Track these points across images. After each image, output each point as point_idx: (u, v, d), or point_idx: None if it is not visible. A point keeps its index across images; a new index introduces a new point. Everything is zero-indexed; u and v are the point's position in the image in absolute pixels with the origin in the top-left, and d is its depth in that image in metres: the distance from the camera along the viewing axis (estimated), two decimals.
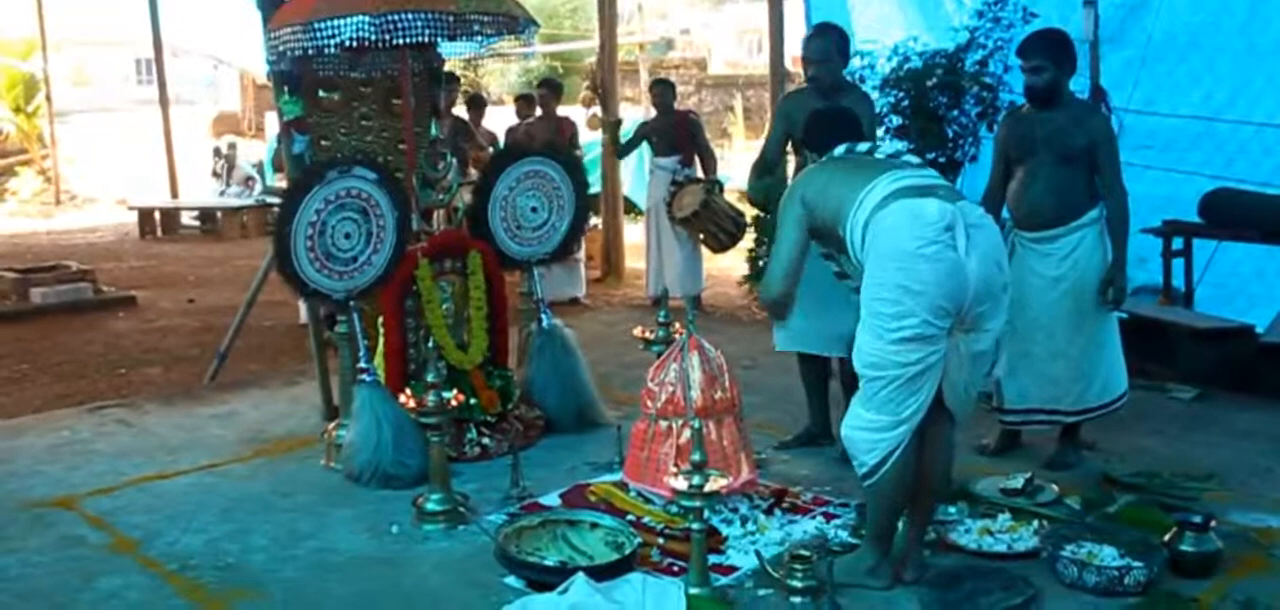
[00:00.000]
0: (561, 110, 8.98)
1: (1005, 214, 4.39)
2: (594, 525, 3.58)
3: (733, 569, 3.38)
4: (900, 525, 3.28)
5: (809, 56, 4.47)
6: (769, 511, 3.80)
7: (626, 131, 8.44)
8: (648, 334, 4.38)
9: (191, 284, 10.22)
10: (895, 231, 2.96)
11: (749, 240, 8.00)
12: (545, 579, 3.25)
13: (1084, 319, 4.18)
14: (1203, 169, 6.42)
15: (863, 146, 3.39)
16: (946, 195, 3.03)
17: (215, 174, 15.56)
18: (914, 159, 3.33)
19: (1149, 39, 6.75)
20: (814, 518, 3.79)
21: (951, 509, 3.71)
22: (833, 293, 3.81)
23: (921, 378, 2.98)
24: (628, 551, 3.37)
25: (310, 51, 4.40)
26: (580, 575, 3.15)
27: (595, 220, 9.43)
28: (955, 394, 3.11)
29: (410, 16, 4.20)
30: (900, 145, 3.57)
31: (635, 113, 14.43)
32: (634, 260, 9.73)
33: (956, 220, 2.95)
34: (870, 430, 3.05)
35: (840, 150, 3.39)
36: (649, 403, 3.82)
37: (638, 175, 11.53)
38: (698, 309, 7.03)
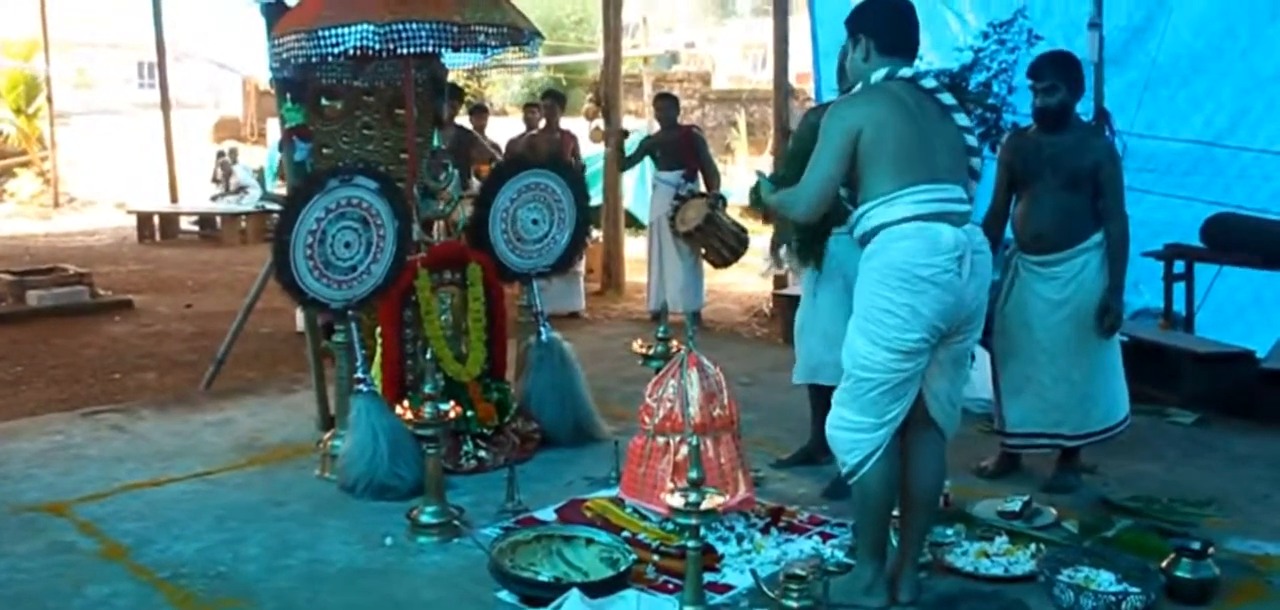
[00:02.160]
0: (564, 123, 9.00)
1: (1007, 235, 4.40)
2: (589, 541, 3.57)
3: (728, 587, 3.37)
4: (893, 541, 3.29)
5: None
6: (765, 530, 3.79)
7: (631, 143, 8.46)
8: (647, 349, 4.38)
9: (189, 289, 10.23)
10: (910, 252, 2.98)
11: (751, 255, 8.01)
12: (539, 594, 3.25)
13: (1087, 343, 4.17)
14: (1202, 194, 6.44)
15: (928, 81, 3.14)
16: (958, 219, 3.04)
17: (214, 179, 15.59)
18: (963, 120, 3.12)
19: (1152, 63, 6.77)
20: (810, 537, 3.78)
21: (948, 531, 3.71)
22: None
23: (907, 384, 3.05)
24: (623, 568, 3.36)
25: (314, 59, 4.40)
26: (574, 591, 3.14)
27: (596, 233, 9.45)
28: (939, 404, 3.15)
29: (415, 26, 4.21)
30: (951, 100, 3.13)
31: (638, 126, 14.46)
32: (634, 274, 9.74)
33: (966, 249, 3.01)
34: (854, 430, 3.09)
35: (904, 75, 3.10)
36: (647, 418, 3.82)
37: (639, 189, 11.57)
38: (697, 325, 7.03)
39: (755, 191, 3.60)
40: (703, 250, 7.03)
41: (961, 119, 3.14)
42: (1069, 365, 4.18)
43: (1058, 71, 4.17)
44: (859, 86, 3.18)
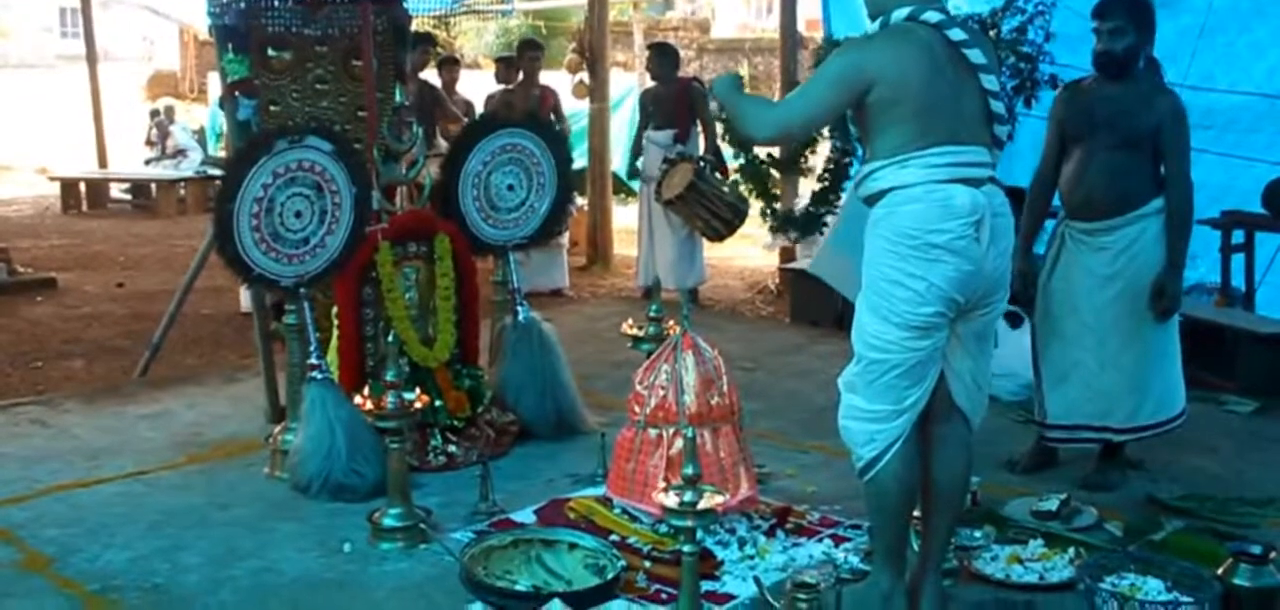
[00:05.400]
0: (544, 77, 8.99)
1: (1055, 202, 4.40)
2: (572, 546, 3.59)
3: (729, 598, 3.39)
4: (914, 544, 3.30)
5: None
6: (770, 533, 3.81)
7: (617, 101, 8.43)
8: (637, 330, 4.39)
9: (121, 266, 10.22)
10: (921, 217, 2.99)
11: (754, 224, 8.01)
12: (516, 605, 3.26)
13: (1140, 324, 4.18)
14: (1266, 154, 6.44)
15: (955, 33, 3.06)
16: (976, 182, 3.05)
17: (148, 142, 15.56)
18: (990, 83, 3.11)
19: (1209, 5, 6.76)
20: (821, 540, 3.80)
21: (977, 533, 3.73)
22: None
23: (925, 366, 3.06)
24: (610, 576, 3.38)
25: (259, 4, 4.39)
26: (556, 602, 3.16)
27: (580, 201, 9.44)
28: (963, 386, 3.16)
29: None
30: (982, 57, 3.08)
31: (627, 80, 14.42)
32: (624, 247, 9.75)
33: (985, 213, 3.01)
34: (869, 420, 3.10)
35: (931, 20, 3.04)
36: (637, 408, 3.83)
37: (629, 150, 11.54)
38: (694, 303, 7.05)
39: (723, 83, 3.38)
40: (697, 222, 7.04)
41: (990, 82, 3.13)
42: (1119, 349, 4.19)
43: (1128, 11, 4.13)
44: (877, 25, 3.16)
